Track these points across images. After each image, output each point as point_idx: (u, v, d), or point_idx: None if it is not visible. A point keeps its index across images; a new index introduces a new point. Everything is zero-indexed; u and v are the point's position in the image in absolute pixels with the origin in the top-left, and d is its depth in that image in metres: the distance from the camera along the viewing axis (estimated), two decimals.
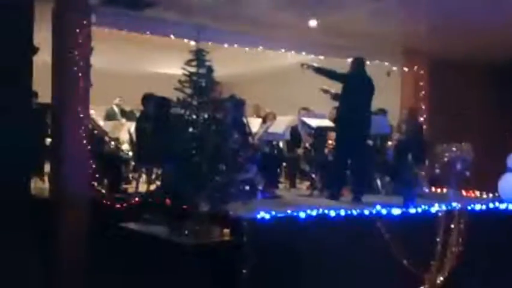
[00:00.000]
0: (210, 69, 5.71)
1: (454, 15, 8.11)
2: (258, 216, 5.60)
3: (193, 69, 5.68)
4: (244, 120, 7.64)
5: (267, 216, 5.65)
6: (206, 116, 5.64)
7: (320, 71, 7.57)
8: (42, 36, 7.01)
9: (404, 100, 10.48)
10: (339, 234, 6.03)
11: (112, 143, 8.65)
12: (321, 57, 10.16)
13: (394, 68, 10.49)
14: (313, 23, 8.58)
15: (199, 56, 5.69)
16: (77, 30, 7.17)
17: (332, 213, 6.11)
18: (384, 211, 6.42)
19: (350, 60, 7.74)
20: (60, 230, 7.04)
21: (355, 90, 7.39)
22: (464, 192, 8.40)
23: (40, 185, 8.23)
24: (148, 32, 8.39)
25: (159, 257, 5.70)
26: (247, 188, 6.50)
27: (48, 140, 8.08)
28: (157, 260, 5.72)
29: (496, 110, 10.79)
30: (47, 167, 8.06)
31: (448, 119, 10.12)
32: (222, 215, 5.59)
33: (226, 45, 8.95)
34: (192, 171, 5.51)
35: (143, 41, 9.29)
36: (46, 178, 8.26)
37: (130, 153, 8.59)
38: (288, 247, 5.65)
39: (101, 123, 9.59)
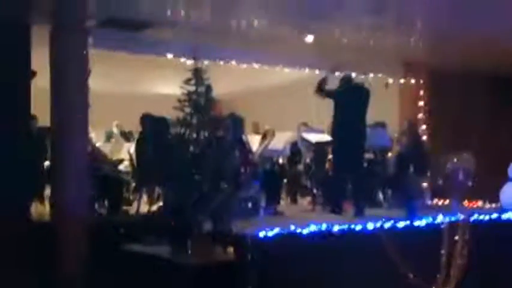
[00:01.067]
0: (208, 88, 5.72)
1: (453, 25, 8.13)
2: (262, 234, 5.55)
3: (192, 88, 5.69)
4: (244, 137, 7.63)
5: (271, 233, 5.61)
6: (206, 134, 5.63)
7: (320, 88, 7.75)
8: (40, 60, 7.05)
9: (403, 112, 10.47)
10: (344, 249, 5.98)
11: (112, 164, 8.62)
12: (317, 72, 10.16)
13: (391, 81, 10.50)
14: (309, 38, 8.59)
15: (197, 75, 5.70)
16: (75, 53, 7.16)
17: (336, 228, 6.06)
18: (388, 224, 6.37)
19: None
20: (62, 253, 6.97)
21: (345, 105, 7.52)
22: (466, 203, 8.38)
23: (41, 209, 8.18)
24: (145, 53, 8.39)
25: (162, 278, 5.65)
26: (249, 205, 6.47)
27: (48, 163, 8.06)
28: (160, 281, 5.67)
29: (496, 119, 10.78)
30: (47, 191, 8.02)
31: (448, 129, 10.11)
32: (225, 234, 5.55)
33: (222, 63, 8.94)
34: (194, 190, 5.48)
35: (139, 62, 9.30)
36: (47, 202, 8.22)
37: (130, 175, 8.56)
38: (292, 264, 5.60)
39: (100, 144, 9.59)
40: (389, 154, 8.75)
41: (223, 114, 6.04)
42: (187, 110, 5.69)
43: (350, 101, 7.53)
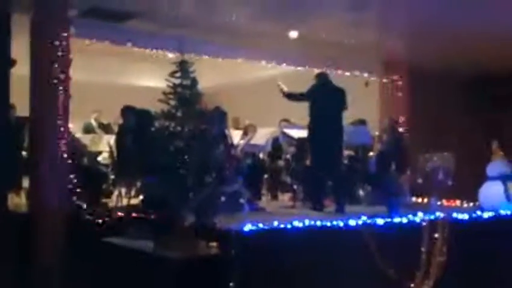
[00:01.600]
0: (194, 81, 5.65)
1: (432, 24, 8.19)
2: (245, 228, 5.53)
3: (177, 81, 5.62)
4: (227, 132, 7.60)
5: (254, 228, 5.59)
6: (191, 127, 5.57)
7: (289, 96, 7.86)
8: (20, 49, 6.91)
9: (383, 110, 10.54)
10: (325, 245, 5.99)
11: (91, 156, 8.51)
12: (300, 68, 10.19)
13: (372, 78, 10.55)
14: (293, 34, 8.60)
15: (183, 68, 5.64)
16: (56, 42, 7.04)
17: (318, 224, 6.08)
18: (369, 221, 6.41)
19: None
20: (39, 245, 6.86)
21: (320, 103, 7.54)
22: (445, 202, 8.47)
23: (17, 201, 8.04)
24: (128, 44, 8.29)
25: (144, 272, 5.58)
26: (233, 200, 6.44)
27: (25, 154, 7.92)
28: (141, 275, 5.60)
29: (475, 119, 10.92)
30: (24, 182, 7.88)
31: (428, 128, 10.20)
32: (208, 228, 5.51)
33: (206, 57, 8.88)
34: (177, 184, 5.43)
35: (120, 53, 9.19)
36: (23, 193, 8.08)
37: (110, 167, 8.47)
38: (275, 259, 5.59)
39: (79, 136, 9.46)
40: (371, 153, 8.80)
41: (208, 108, 5.95)
42: (172, 102, 5.62)
43: (325, 98, 7.56)
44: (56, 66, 7.04)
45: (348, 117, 8.05)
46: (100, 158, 9.31)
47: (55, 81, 7.02)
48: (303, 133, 8.51)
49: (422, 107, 10.44)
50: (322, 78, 7.80)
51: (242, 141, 8.34)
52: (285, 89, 7.91)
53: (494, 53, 9.26)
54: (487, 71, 10.45)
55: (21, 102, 7.44)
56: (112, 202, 8.03)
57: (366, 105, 9.80)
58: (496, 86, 10.77)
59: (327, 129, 7.43)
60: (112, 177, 8.48)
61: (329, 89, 7.74)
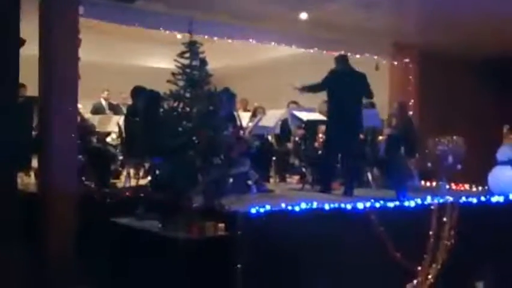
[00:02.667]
0: (203, 62, 5.62)
1: (443, 8, 8.11)
2: (253, 210, 5.54)
3: (186, 62, 5.59)
4: (235, 113, 7.58)
5: (262, 210, 5.59)
6: (199, 108, 5.56)
7: (304, 89, 7.71)
8: (30, 28, 6.89)
9: (393, 94, 10.49)
10: (333, 228, 5.98)
11: (100, 136, 8.53)
12: (311, 51, 10.12)
13: (384, 62, 10.48)
14: (303, 15, 8.53)
15: (192, 48, 5.60)
16: (65, 22, 7.02)
17: (326, 207, 6.07)
18: (377, 204, 6.39)
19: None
20: (48, 225, 6.91)
21: (341, 87, 7.43)
22: (454, 186, 8.43)
23: (27, 180, 8.09)
24: (137, 25, 8.25)
25: (151, 252, 5.61)
26: (241, 182, 6.44)
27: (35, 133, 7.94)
28: (149, 255, 5.63)
29: (486, 103, 10.84)
30: (33, 162, 7.91)
31: (438, 112, 10.14)
32: (216, 210, 5.52)
33: (215, 38, 8.83)
34: (186, 165, 5.42)
35: (130, 34, 9.16)
36: (32, 173, 8.12)
37: (119, 148, 8.48)
38: (282, 241, 5.58)
39: (88, 116, 9.48)
40: (380, 137, 8.75)
41: (216, 89, 5.92)
42: (181, 83, 5.60)
43: (346, 82, 7.44)
44: (65, 46, 7.03)
45: None
46: (108, 139, 9.35)
47: (64, 61, 7.01)
48: (311, 115, 8.49)
49: (432, 91, 10.38)
50: (341, 62, 7.63)
51: (251, 123, 8.32)
52: (297, 85, 7.79)
53: (507, 35, 9.15)
54: (499, 54, 10.34)
55: (30, 82, 7.44)
56: (121, 183, 8.06)
57: (376, 89, 9.72)
58: (508, 68, 10.66)
59: (347, 113, 7.34)
60: (121, 157, 8.50)
61: (348, 74, 7.55)
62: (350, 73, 7.60)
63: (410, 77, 10.67)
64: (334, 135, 7.50)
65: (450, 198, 6.92)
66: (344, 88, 7.41)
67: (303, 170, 8.44)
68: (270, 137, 9.23)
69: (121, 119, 8.50)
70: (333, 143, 7.52)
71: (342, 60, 7.68)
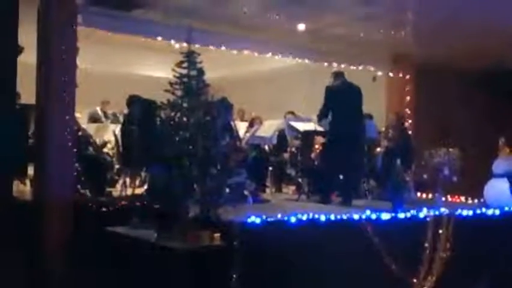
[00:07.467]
0: (200, 71, 5.63)
1: (440, 20, 8.15)
2: (249, 220, 5.53)
3: (183, 71, 5.60)
4: (232, 123, 7.59)
5: (258, 220, 5.58)
6: (196, 118, 5.56)
7: (321, 120, 7.88)
8: (28, 36, 6.89)
9: (389, 105, 10.51)
10: (329, 239, 5.98)
11: (96, 145, 8.51)
12: (308, 62, 10.15)
13: (380, 73, 10.51)
14: (301, 27, 8.56)
15: (190, 58, 5.62)
16: (63, 30, 7.03)
17: (322, 218, 6.06)
18: (373, 216, 6.39)
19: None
20: (43, 233, 6.88)
21: (340, 102, 7.56)
22: (450, 198, 8.44)
23: (22, 188, 8.06)
24: (135, 34, 8.27)
25: (147, 261, 5.59)
26: (237, 192, 6.43)
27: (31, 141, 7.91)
28: (145, 264, 5.61)
29: (482, 115, 10.87)
30: (29, 170, 7.88)
31: (434, 124, 10.17)
32: (212, 219, 5.50)
33: (212, 48, 8.85)
34: (182, 175, 5.42)
35: (126, 43, 9.18)
36: (28, 181, 8.09)
37: (115, 157, 8.47)
38: (278, 252, 5.57)
39: (85, 125, 9.46)
40: (378, 149, 8.77)
41: (213, 99, 5.93)
42: (178, 93, 5.60)
43: (344, 96, 7.58)
44: (63, 54, 7.03)
45: None
46: (105, 148, 9.32)
47: (62, 69, 7.01)
48: (308, 126, 8.50)
49: (429, 103, 10.41)
50: (339, 77, 7.79)
51: (247, 133, 8.32)
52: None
53: (502, 48, 9.20)
54: (496, 66, 10.39)
55: (27, 90, 7.43)
56: (116, 191, 8.04)
57: (373, 100, 9.76)
58: (504, 81, 10.71)
59: (348, 127, 7.45)
60: (117, 166, 8.48)
61: (347, 88, 7.72)
62: (347, 88, 7.73)
63: (407, 88, 10.70)
64: (335, 148, 7.57)
65: (446, 211, 6.92)
66: (344, 103, 7.54)
67: (300, 180, 8.44)
68: (267, 147, 9.23)
69: (117, 128, 8.49)
70: (334, 155, 7.57)
71: (338, 75, 7.82)
